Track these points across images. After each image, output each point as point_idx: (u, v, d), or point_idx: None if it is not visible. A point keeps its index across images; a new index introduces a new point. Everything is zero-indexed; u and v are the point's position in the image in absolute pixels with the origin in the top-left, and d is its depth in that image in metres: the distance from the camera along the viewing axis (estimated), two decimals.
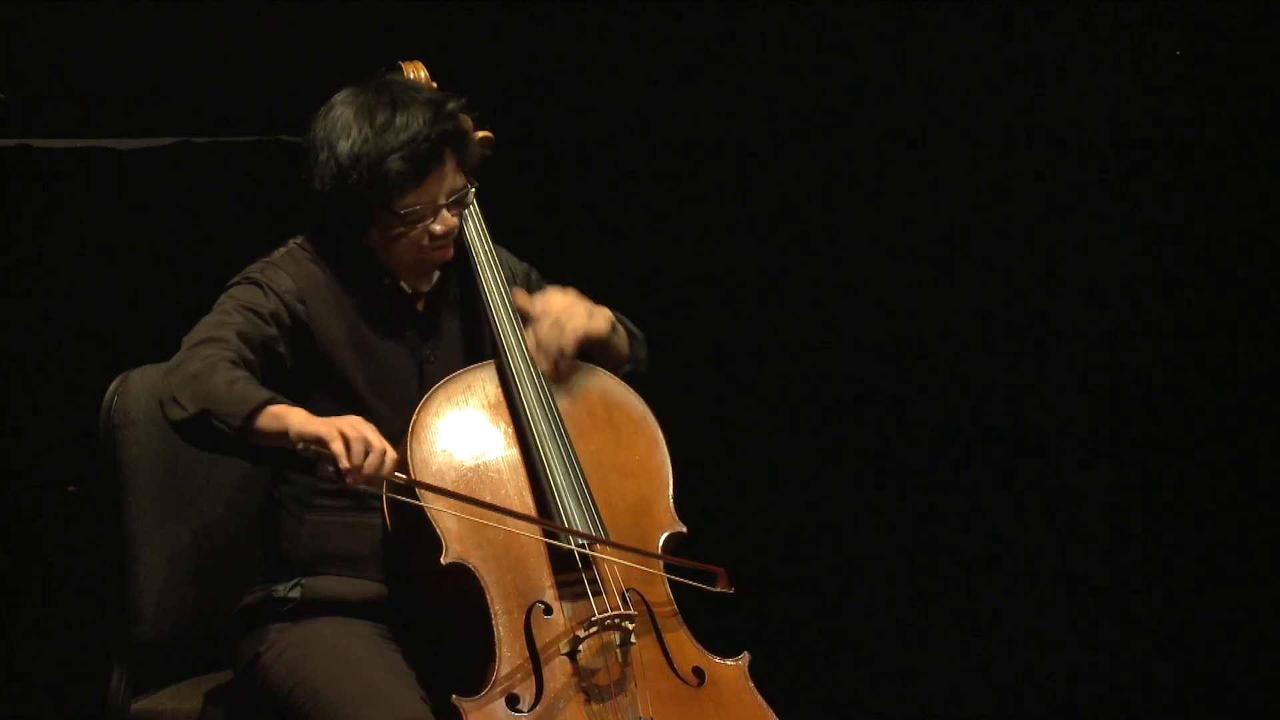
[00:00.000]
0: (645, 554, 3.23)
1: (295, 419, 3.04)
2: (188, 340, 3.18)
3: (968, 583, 4.61)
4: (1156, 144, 4.40)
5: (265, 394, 3.07)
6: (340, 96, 3.30)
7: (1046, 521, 4.55)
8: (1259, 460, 4.39)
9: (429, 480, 3.17)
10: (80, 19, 4.47)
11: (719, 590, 3.20)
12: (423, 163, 3.23)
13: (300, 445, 3.02)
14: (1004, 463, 4.58)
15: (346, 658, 3.19)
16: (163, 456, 3.50)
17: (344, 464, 3.00)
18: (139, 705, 3.47)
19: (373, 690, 3.12)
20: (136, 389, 3.51)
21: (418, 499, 3.14)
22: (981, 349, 4.58)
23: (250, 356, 3.18)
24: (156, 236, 4.53)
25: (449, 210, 3.29)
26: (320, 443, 3.01)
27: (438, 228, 3.29)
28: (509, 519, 3.16)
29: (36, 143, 4.46)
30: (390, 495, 3.14)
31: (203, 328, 3.21)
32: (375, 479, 3.05)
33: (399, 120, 3.22)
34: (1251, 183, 4.34)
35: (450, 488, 3.17)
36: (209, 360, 3.11)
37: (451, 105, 3.28)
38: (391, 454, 3.06)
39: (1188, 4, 4.33)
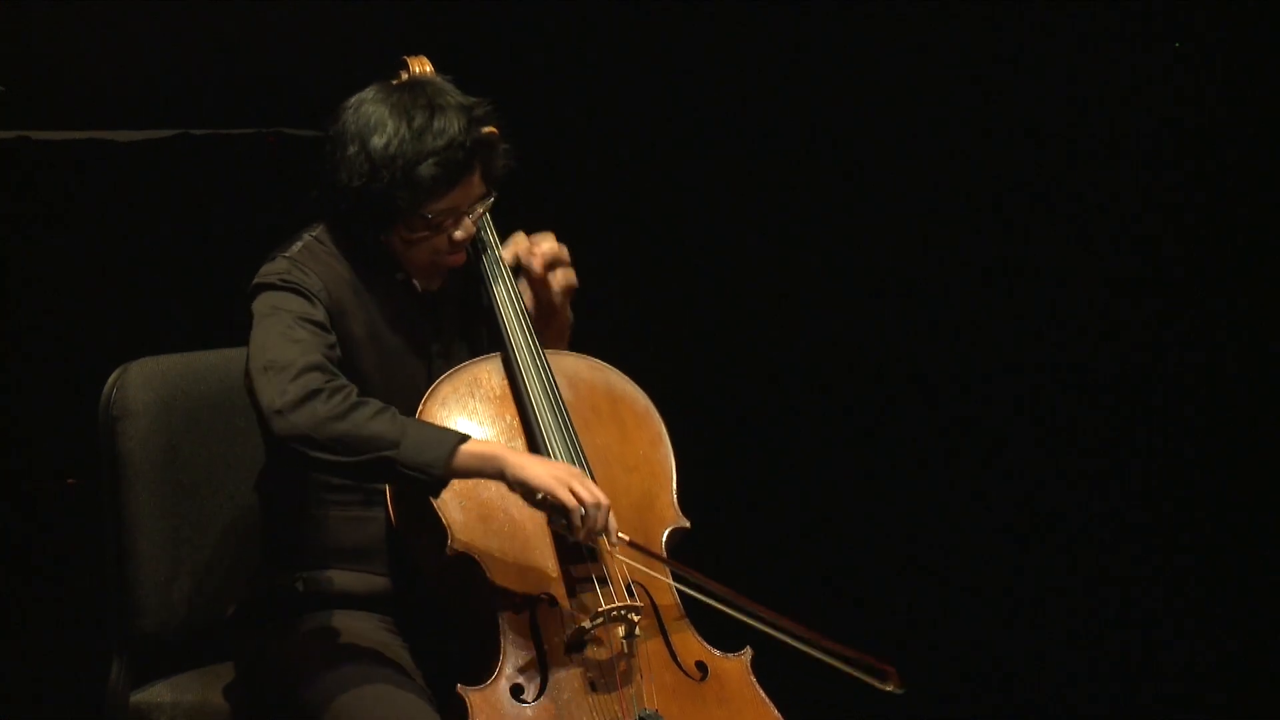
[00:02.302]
0: (812, 642, 3.16)
1: (524, 465, 3.05)
2: (273, 366, 3.07)
3: (970, 579, 4.61)
4: (1156, 140, 4.41)
5: (452, 434, 3.06)
6: (369, 93, 3.23)
7: (1049, 519, 4.55)
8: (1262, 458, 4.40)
9: None
10: (79, 11, 4.46)
11: (890, 690, 3.15)
12: (457, 170, 3.18)
13: (539, 497, 3.06)
14: (1007, 460, 4.58)
15: (351, 653, 3.17)
16: (162, 448, 3.47)
17: (577, 524, 3.05)
18: (138, 697, 3.45)
19: (376, 685, 3.10)
20: (136, 381, 3.47)
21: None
22: (985, 345, 4.58)
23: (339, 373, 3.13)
24: (155, 228, 4.53)
25: (470, 217, 3.26)
26: (560, 508, 3.05)
27: (459, 234, 3.25)
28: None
29: (36, 134, 4.46)
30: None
31: (280, 347, 3.10)
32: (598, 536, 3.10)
33: (437, 124, 3.17)
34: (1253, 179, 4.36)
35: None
36: (339, 396, 3.04)
37: (480, 112, 3.23)
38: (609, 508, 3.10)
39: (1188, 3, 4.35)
